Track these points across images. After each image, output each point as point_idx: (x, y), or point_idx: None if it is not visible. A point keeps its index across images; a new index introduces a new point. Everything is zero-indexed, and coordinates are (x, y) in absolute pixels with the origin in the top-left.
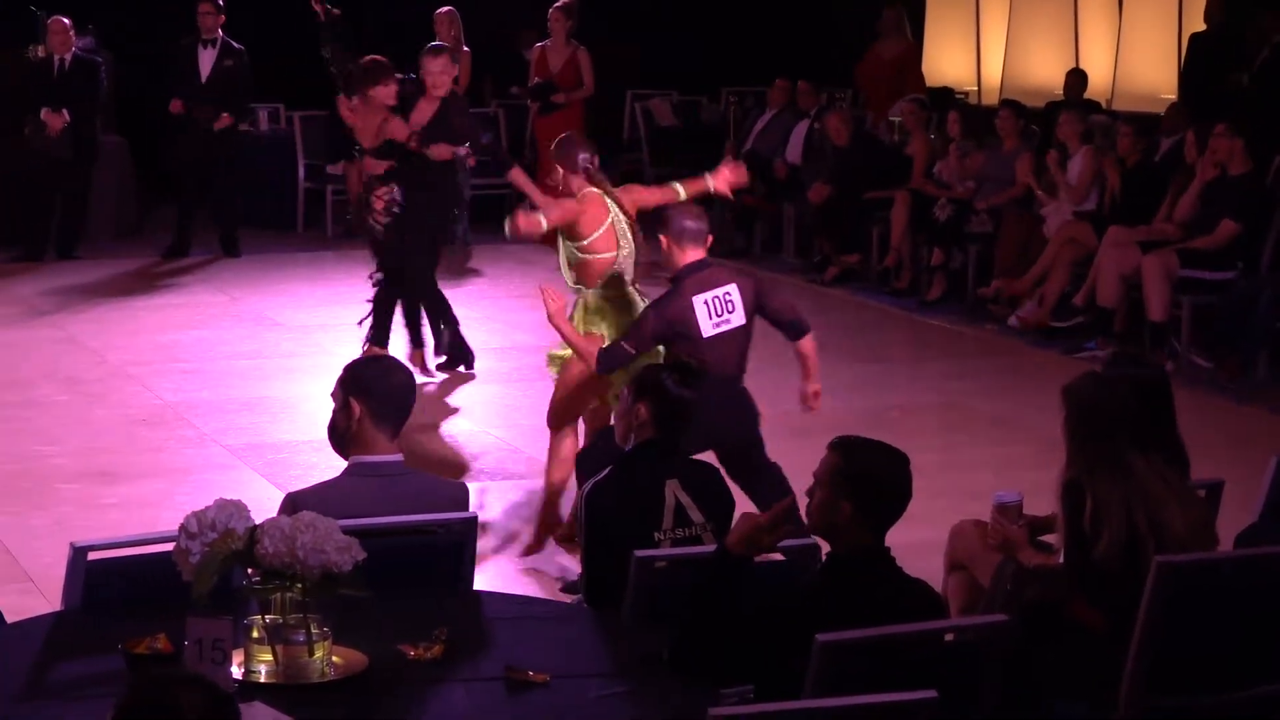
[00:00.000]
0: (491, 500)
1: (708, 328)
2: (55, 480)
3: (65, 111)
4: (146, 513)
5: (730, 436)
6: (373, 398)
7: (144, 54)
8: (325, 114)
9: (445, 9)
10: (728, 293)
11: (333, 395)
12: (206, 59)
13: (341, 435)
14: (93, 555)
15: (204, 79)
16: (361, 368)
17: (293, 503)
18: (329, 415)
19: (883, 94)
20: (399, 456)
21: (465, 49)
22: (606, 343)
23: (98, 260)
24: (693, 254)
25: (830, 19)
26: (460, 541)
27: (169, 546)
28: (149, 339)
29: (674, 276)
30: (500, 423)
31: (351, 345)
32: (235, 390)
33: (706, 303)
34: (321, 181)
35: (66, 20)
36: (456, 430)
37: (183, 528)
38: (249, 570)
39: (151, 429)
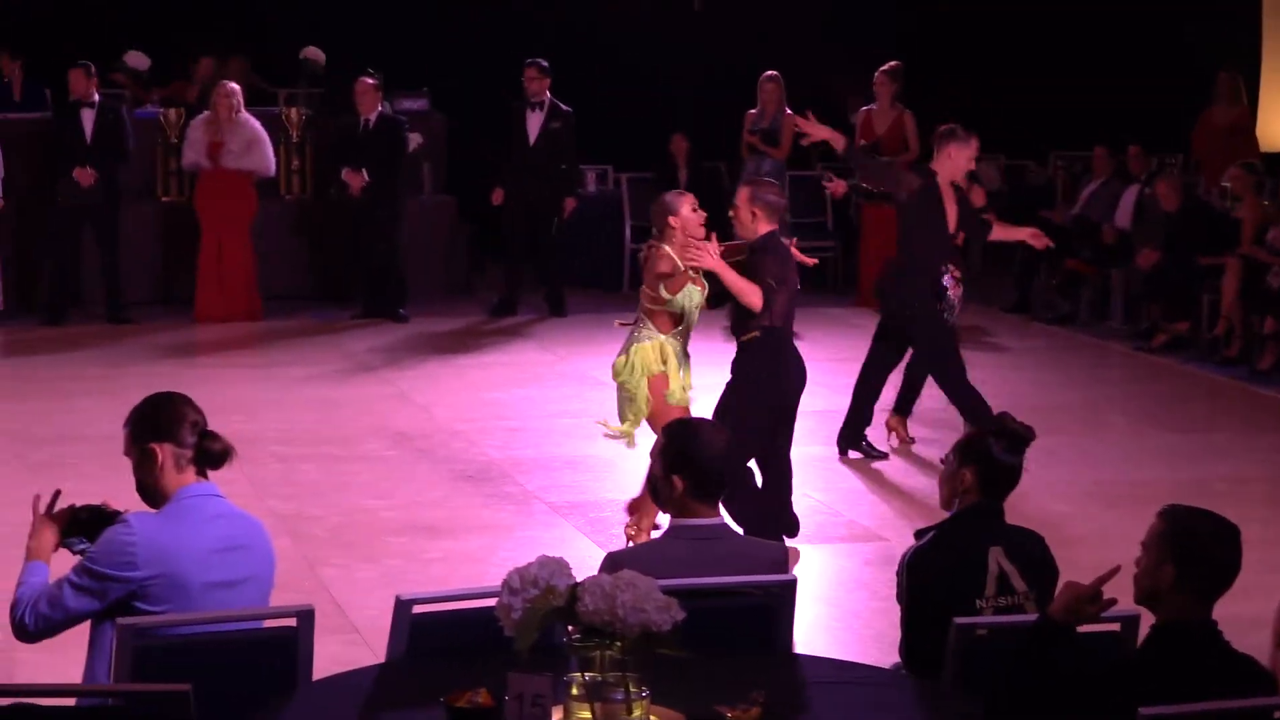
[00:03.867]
0: (811, 563)
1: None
2: (382, 533)
3: (365, 171)
4: (470, 567)
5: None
6: (693, 474)
7: (476, 114)
8: (652, 175)
9: (770, 73)
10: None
11: (651, 454)
12: (534, 122)
13: (663, 502)
14: (417, 608)
15: (532, 141)
16: (680, 441)
17: (613, 562)
18: (648, 472)
19: (1217, 159)
20: (720, 519)
21: (789, 112)
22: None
23: (427, 318)
24: (769, 227)
25: (1164, 84)
26: (779, 604)
27: (492, 601)
28: (475, 396)
29: (758, 244)
30: (821, 485)
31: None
32: (559, 448)
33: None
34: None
35: (370, 80)
36: None
37: (505, 583)
38: (569, 627)
39: (476, 485)
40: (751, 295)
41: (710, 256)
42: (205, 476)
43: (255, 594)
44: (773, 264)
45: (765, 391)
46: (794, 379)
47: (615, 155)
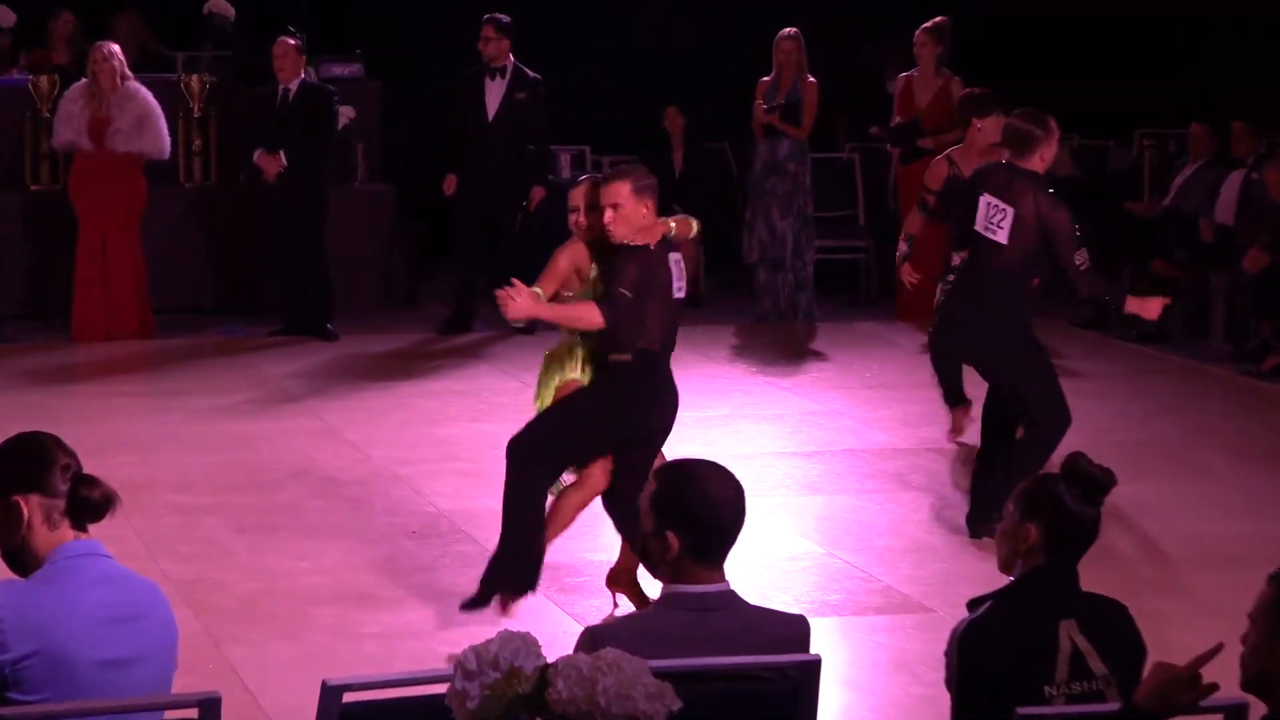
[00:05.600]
0: (838, 639)
1: (678, 289)
2: (305, 603)
3: (283, 153)
4: (413, 645)
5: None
6: (692, 531)
7: (421, 83)
8: (638, 159)
9: (789, 31)
10: (679, 260)
11: (640, 506)
12: (494, 92)
13: (655, 564)
14: (348, 696)
15: (491, 116)
16: (676, 489)
17: (592, 638)
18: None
19: None
20: (725, 585)
21: (811, 79)
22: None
23: (361, 335)
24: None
25: (1276, 52)
26: (798, 689)
27: (441, 688)
28: (421, 432)
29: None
30: (851, 543)
31: (668, 445)
32: None
33: (677, 263)
34: None
35: (291, 41)
36: (797, 552)
37: (459, 665)
38: (537, 719)
39: (422, 543)
40: (587, 315)
41: (516, 305)
42: (85, 531)
43: (154, 675)
44: (634, 271)
45: (618, 424)
46: (657, 411)
47: (594, 134)
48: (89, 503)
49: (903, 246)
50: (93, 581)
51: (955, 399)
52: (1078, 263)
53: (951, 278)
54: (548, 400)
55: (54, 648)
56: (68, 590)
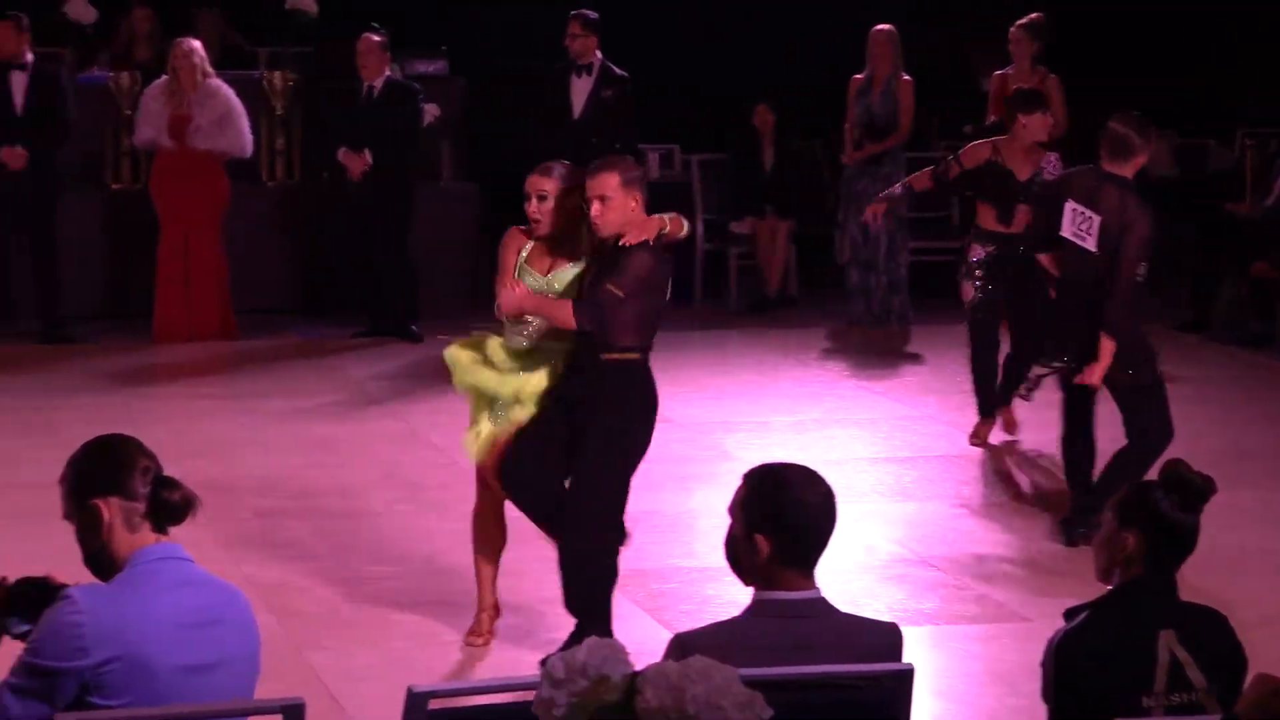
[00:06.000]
0: (931, 648)
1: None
2: (389, 609)
3: (367, 152)
4: (500, 652)
5: None
6: (784, 535)
7: (506, 80)
8: (728, 157)
9: (884, 27)
10: (670, 260)
11: (730, 511)
12: (580, 89)
13: (744, 569)
14: (434, 703)
15: (577, 114)
16: (767, 490)
17: (681, 645)
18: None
19: None
20: (816, 592)
21: (906, 78)
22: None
23: (444, 337)
24: None
25: None
26: (890, 699)
27: (528, 695)
28: None
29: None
30: (945, 550)
31: (759, 449)
32: None
33: (669, 262)
34: (724, 242)
35: (376, 38)
36: (890, 559)
37: (546, 672)
38: None
39: (508, 548)
40: (561, 314)
41: (513, 294)
42: (166, 534)
43: (236, 680)
44: (642, 264)
45: (642, 430)
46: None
47: (683, 132)
48: (169, 505)
49: (897, 189)
50: (174, 585)
51: (986, 410)
52: (1137, 272)
53: (979, 273)
54: (486, 427)
55: (135, 652)
56: (148, 594)
